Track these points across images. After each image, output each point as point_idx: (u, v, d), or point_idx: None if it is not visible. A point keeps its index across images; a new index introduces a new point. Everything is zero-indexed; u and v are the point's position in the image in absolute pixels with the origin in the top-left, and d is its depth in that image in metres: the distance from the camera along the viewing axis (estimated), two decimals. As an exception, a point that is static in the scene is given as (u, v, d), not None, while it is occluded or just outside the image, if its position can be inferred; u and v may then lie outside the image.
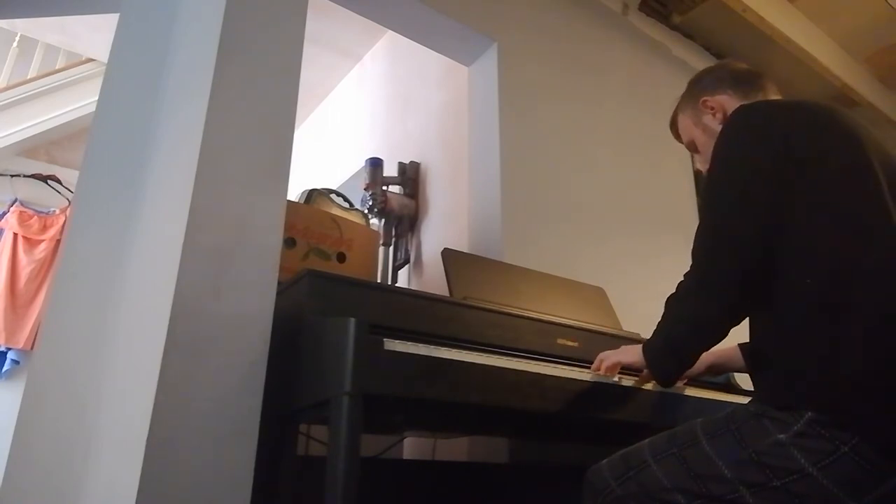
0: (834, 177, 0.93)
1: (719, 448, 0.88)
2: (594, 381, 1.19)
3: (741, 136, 1.00)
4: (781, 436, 0.83)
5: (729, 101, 1.18)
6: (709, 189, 1.03)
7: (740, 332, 1.05)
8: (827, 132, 0.98)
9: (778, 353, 0.91)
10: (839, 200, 0.92)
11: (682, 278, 1.02)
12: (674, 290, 1.03)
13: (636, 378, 1.31)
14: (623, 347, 1.22)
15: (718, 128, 1.13)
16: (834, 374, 0.83)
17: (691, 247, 1.01)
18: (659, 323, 1.06)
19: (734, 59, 1.29)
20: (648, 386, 1.29)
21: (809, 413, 0.82)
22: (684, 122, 1.28)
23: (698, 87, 1.25)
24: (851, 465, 0.79)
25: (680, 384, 1.34)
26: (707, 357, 1.29)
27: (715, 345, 1.00)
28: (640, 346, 1.12)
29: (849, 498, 0.79)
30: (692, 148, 1.29)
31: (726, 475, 0.86)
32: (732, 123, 1.03)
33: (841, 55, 3.28)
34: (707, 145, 1.19)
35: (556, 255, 2.13)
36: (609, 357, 1.21)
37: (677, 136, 1.33)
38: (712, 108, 1.21)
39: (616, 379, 1.23)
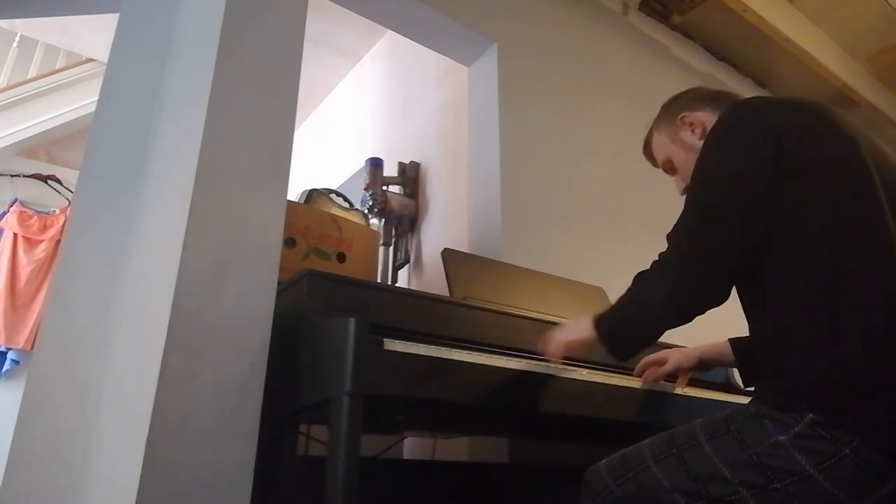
0: (827, 175, 0.93)
1: (719, 449, 0.88)
2: (594, 382, 1.18)
3: (736, 127, 0.99)
4: (782, 437, 0.83)
5: (708, 118, 1.17)
6: (697, 176, 1.00)
7: (738, 328, 1.05)
8: (821, 130, 0.97)
9: (778, 354, 0.91)
10: (833, 199, 0.91)
11: (657, 257, 1.01)
12: (646, 269, 1.02)
13: (637, 379, 1.31)
14: (566, 325, 1.15)
15: (698, 144, 1.10)
16: (834, 376, 0.83)
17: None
18: (621, 298, 1.04)
19: (704, 86, 1.28)
20: (648, 386, 1.29)
21: (810, 414, 0.82)
22: (660, 141, 1.26)
23: (676, 106, 1.24)
24: (852, 467, 0.79)
25: (680, 385, 1.34)
26: (696, 352, 1.30)
27: (675, 327, 0.98)
28: (586, 320, 1.08)
29: (850, 499, 0.78)
30: (668, 168, 1.26)
31: (726, 476, 0.86)
32: (728, 114, 1.01)
33: (841, 55, 3.28)
34: (686, 162, 1.17)
35: (555, 255, 2.12)
36: (551, 339, 1.14)
37: (651, 159, 1.31)
38: (691, 124, 1.20)
39: (615, 379, 1.23)
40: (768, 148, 0.94)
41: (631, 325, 1.02)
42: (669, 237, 1.00)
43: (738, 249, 0.93)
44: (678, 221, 1.00)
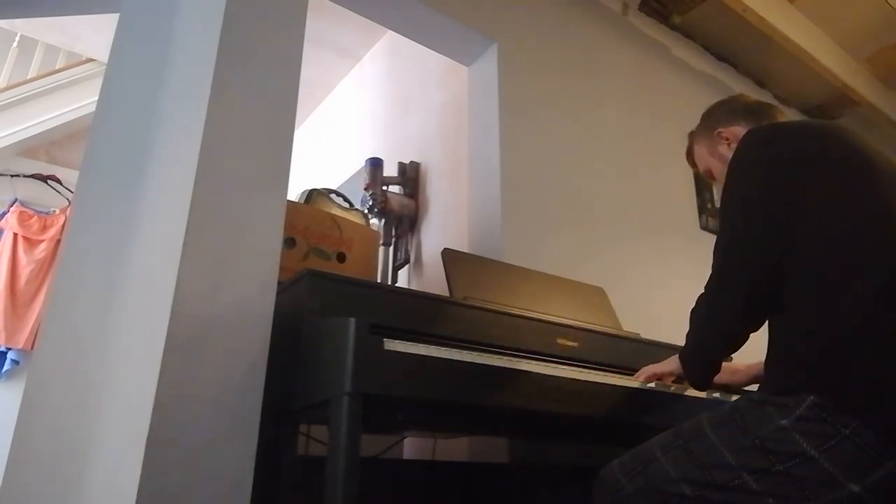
0: (839, 194, 0.95)
1: (723, 437, 0.90)
2: (594, 382, 1.19)
3: (751, 157, 1.04)
4: (784, 421, 0.85)
5: (742, 132, 1.22)
6: (721, 210, 1.08)
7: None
8: (834, 152, 1.00)
9: (780, 341, 0.94)
10: (838, 210, 0.93)
11: (703, 290, 1.08)
12: (694, 305, 1.10)
13: (635, 378, 1.31)
14: (665, 361, 1.31)
15: None
16: (834, 359, 0.85)
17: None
18: (688, 334, 1.13)
19: (743, 94, 1.40)
20: (649, 386, 1.29)
21: (811, 397, 0.83)
22: (700, 152, 1.36)
23: (713, 119, 1.33)
24: (852, 449, 0.80)
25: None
26: (751, 370, 1.39)
27: (737, 350, 1.06)
28: (675, 356, 1.20)
29: (849, 481, 0.80)
30: (709, 176, 1.36)
31: (730, 462, 0.88)
32: (743, 145, 1.07)
33: (841, 55, 3.28)
34: (723, 173, 1.23)
35: (555, 255, 2.12)
36: (647, 369, 1.31)
37: (693, 165, 1.41)
38: (727, 139, 1.28)
39: (615, 379, 1.23)
40: (782, 170, 0.98)
41: (691, 357, 1.13)
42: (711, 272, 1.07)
43: (759, 280, 0.97)
44: (713, 253, 1.06)
